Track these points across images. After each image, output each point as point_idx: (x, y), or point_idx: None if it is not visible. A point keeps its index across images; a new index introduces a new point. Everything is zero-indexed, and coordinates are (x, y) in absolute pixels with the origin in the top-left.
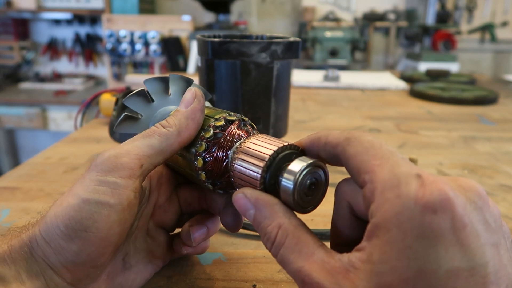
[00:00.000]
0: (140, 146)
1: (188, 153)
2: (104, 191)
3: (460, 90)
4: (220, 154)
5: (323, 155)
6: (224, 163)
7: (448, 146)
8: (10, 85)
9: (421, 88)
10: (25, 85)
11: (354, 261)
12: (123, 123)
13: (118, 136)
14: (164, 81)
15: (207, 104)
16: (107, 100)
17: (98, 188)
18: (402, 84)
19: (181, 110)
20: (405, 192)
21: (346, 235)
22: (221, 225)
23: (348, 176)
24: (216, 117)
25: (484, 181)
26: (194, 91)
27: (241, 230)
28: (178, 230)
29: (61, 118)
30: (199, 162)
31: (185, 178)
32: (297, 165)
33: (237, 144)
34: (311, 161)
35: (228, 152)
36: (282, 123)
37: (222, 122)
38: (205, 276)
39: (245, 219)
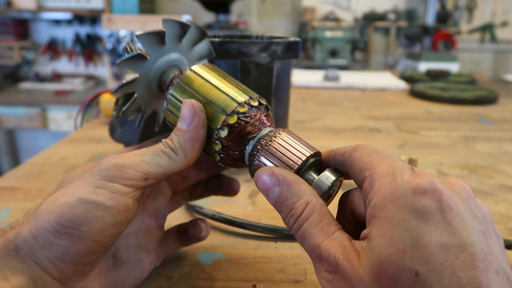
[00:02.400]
0: (149, 162)
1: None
2: (102, 193)
3: (460, 90)
4: (242, 141)
5: (332, 164)
6: (243, 150)
7: (448, 146)
8: (10, 85)
9: (421, 88)
10: (25, 85)
11: (362, 244)
12: (131, 61)
13: (118, 136)
14: (183, 28)
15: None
16: (107, 100)
17: (98, 190)
18: (402, 84)
19: (183, 129)
20: (399, 177)
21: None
22: (221, 224)
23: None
24: (240, 101)
25: (484, 181)
26: (191, 106)
27: (241, 230)
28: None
29: (61, 118)
30: (218, 146)
31: None
32: (329, 178)
33: (261, 134)
34: (338, 176)
35: (251, 141)
36: (282, 123)
37: (246, 109)
38: (205, 276)
39: (246, 219)
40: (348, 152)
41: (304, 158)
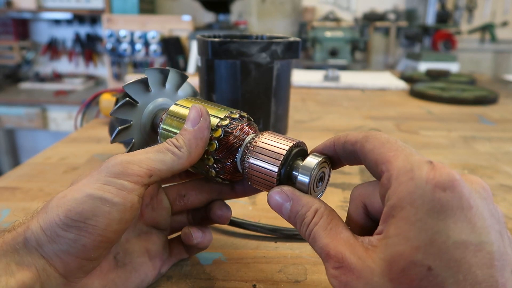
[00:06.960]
0: (153, 159)
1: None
2: (109, 189)
3: (460, 90)
4: (231, 151)
5: (342, 153)
6: (235, 159)
7: (448, 146)
8: (10, 85)
9: (421, 88)
10: (25, 85)
11: (373, 240)
12: (122, 109)
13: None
14: (163, 73)
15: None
16: (107, 100)
17: (105, 186)
18: (402, 84)
19: (189, 129)
20: (417, 175)
21: (359, 233)
22: (222, 224)
23: (360, 182)
24: (221, 116)
25: (484, 181)
26: (199, 109)
27: (241, 230)
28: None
29: (61, 118)
30: (210, 161)
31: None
32: (313, 161)
33: (247, 140)
34: (322, 157)
35: (239, 149)
36: (282, 123)
37: (228, 121)
38: (205, 276)
39: (244, 219)
40: (359, 142)
41: (287, 148)
